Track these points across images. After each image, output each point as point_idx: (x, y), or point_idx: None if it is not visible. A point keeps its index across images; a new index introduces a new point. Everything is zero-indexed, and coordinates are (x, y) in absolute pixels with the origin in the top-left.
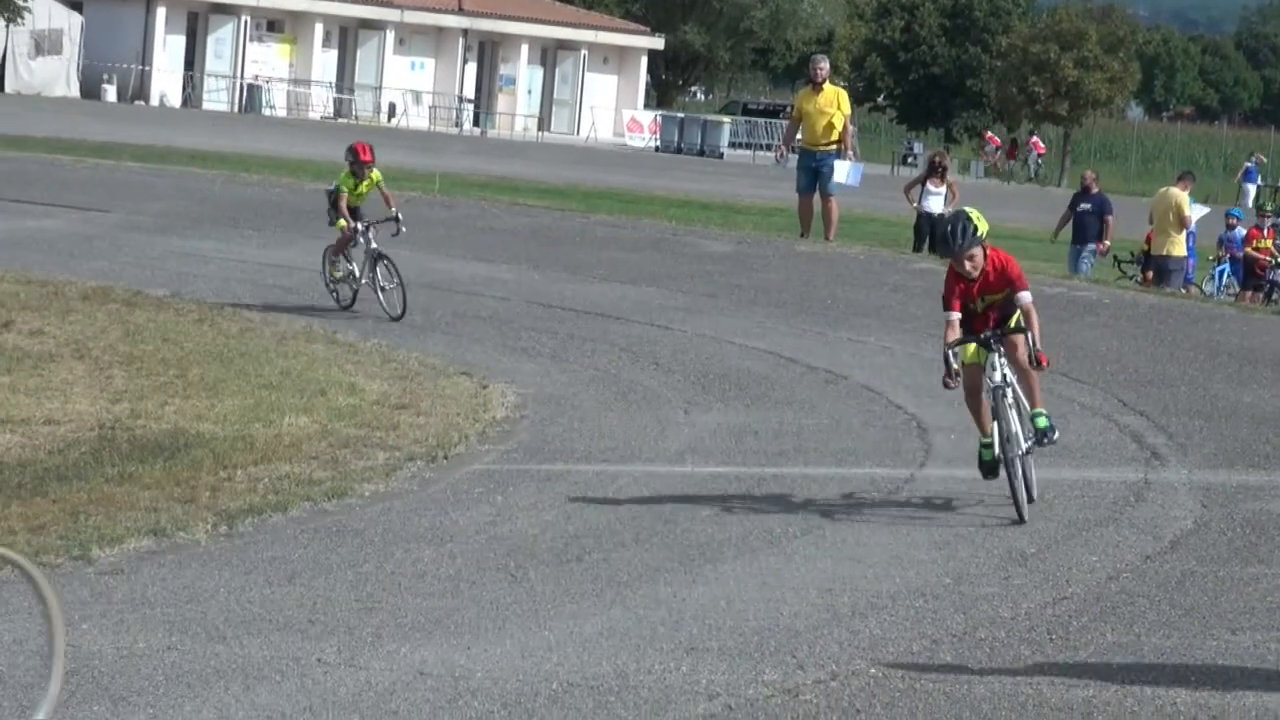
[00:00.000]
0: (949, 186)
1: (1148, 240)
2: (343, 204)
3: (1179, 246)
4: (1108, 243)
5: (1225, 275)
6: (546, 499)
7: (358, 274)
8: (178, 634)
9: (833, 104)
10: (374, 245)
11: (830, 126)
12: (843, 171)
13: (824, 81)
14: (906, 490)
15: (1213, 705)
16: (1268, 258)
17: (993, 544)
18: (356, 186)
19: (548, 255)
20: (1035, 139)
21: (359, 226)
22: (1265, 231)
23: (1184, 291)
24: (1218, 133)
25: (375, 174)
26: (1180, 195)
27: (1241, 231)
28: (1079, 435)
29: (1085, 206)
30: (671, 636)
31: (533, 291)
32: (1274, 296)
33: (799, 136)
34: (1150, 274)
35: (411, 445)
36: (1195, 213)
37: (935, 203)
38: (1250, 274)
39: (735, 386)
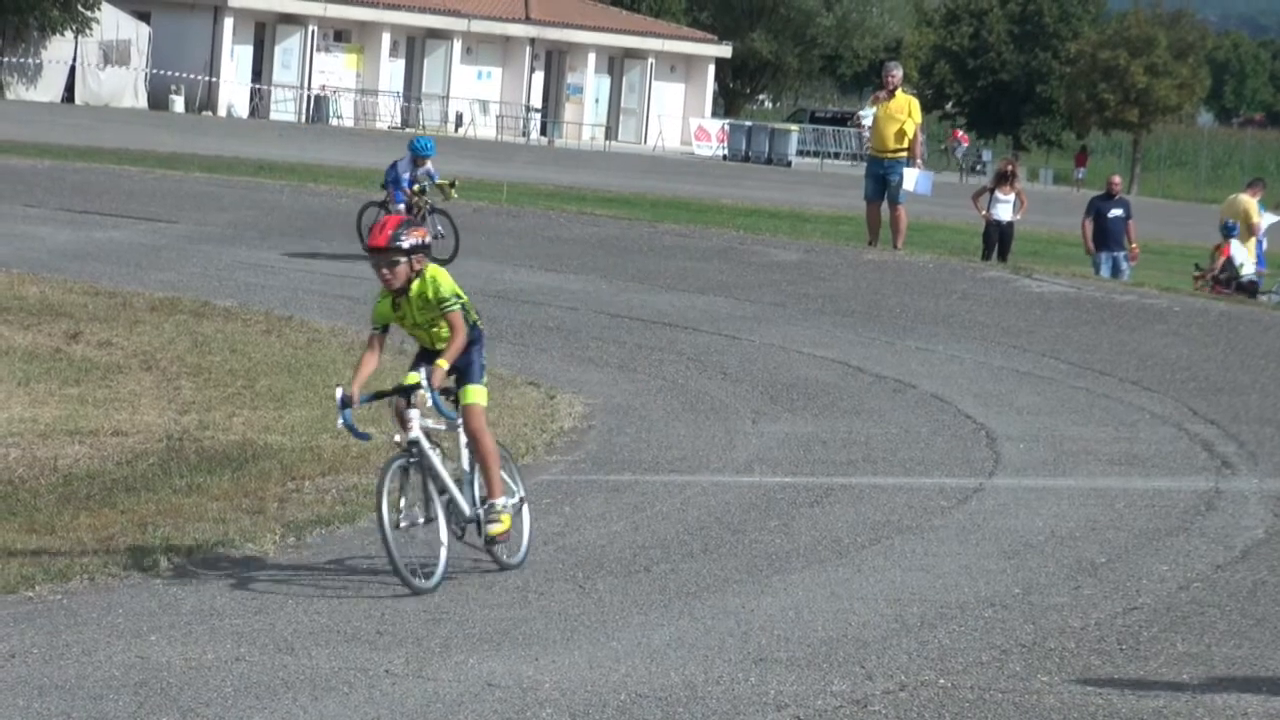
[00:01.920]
0: (1018, 194)
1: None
2: None
3: (1247, 253)
4: (1136, 246)
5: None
6: (614, 509)
7: None
8: (246, 645)
9: (904, 111)
10: None
11: (901, 133)
12: (912, 179)
13: (896, 88)
14: (975, 500)
15: None
16: None
17: (1063, 554)
18: None
19: (615, 265)
20: (958, 131)
21: None
22: None
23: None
24: None
25: None
26: (1249, 202)
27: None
28: (1149, 444)
29: (1117, 212)
30: (740, 647)
31: (600, 301)
32: None
33: (868, 142)
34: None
35: None
36: (1265, 220)
37: (1004, 210)
38: None
39: (803, 396)
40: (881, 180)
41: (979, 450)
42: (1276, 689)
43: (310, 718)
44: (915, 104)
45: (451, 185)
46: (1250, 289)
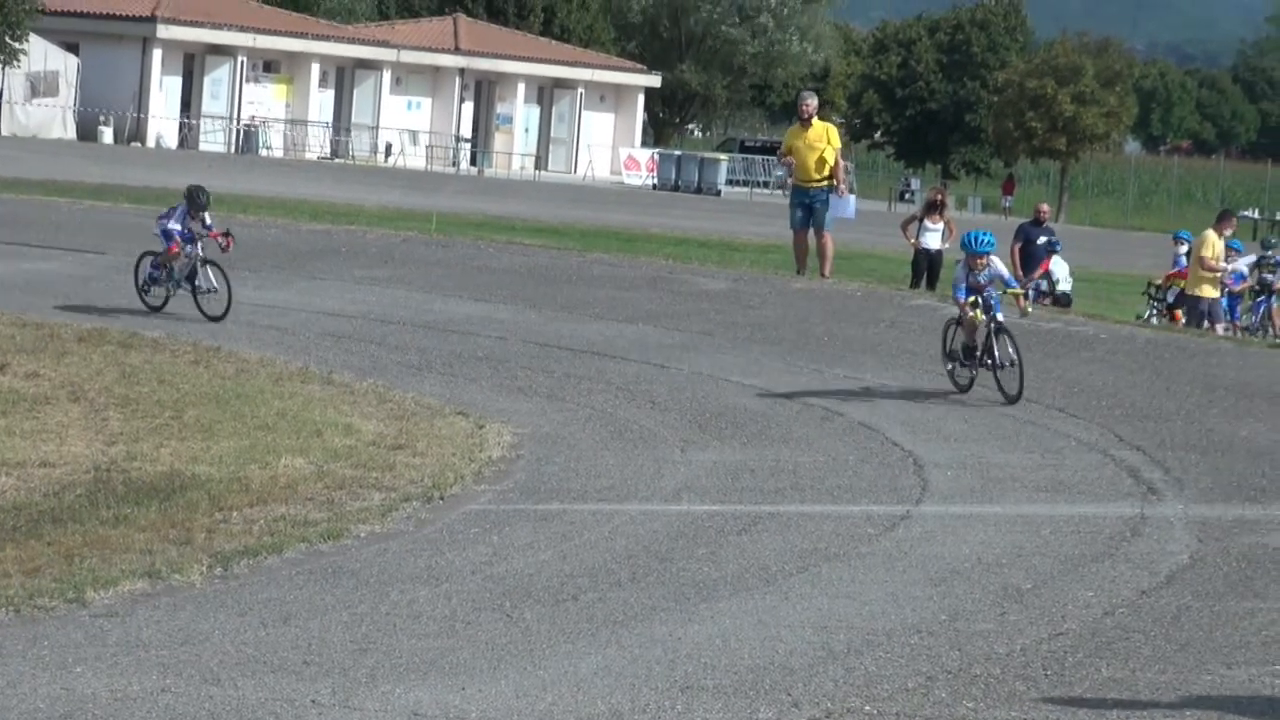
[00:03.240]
0: (946, 223)
1: (1167, 278)
2: None
3: (1207, 288)
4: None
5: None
6: (542, 539)
7: None
8: (172, 676)
9: (822, 139)
10: None
11: (822, 161)
12: (837, 206)
13: (811, 117)
14: (903, 527)
15: None
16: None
17: (989, 580)
18: None
19: (544, 294)
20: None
21: None
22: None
23: (1213, 331)
24: (1215, 166)
25: None
26: (1209, 236)
27: (1240, 264)
28: (1075, 470)
29: (1044, 240)
30: (667, 675)
31: (529, 331)
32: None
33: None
34: (1179, 312)
35: (407, 486)
36: (1234, 263)
37: (933, 239)
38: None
39: (731, 424)
40: (808, 209)
41: (906, 477)
42: (1200, 714)
43: None
44: (833, 131)
45: (1026, 297)
46: (1065, 301)
